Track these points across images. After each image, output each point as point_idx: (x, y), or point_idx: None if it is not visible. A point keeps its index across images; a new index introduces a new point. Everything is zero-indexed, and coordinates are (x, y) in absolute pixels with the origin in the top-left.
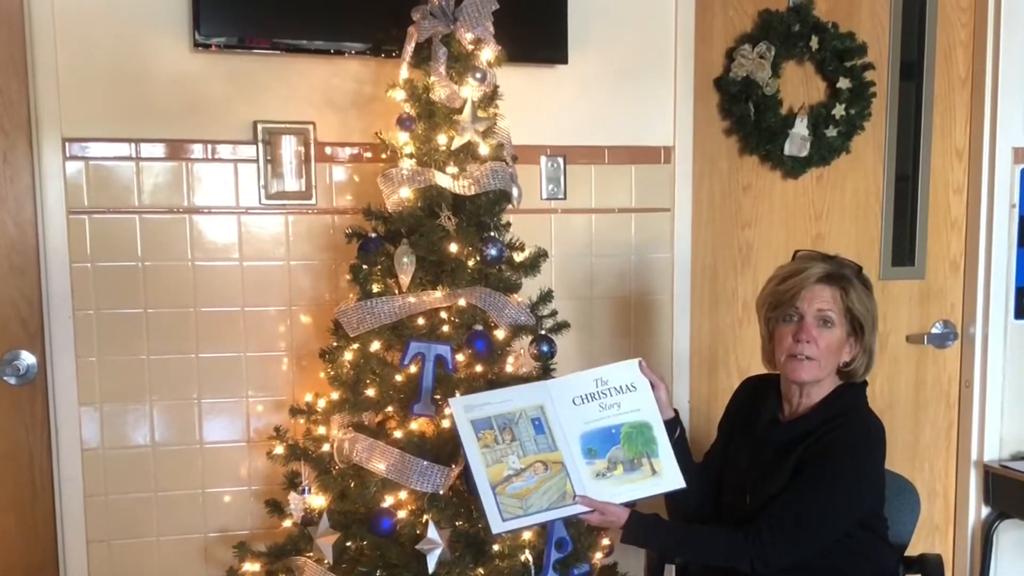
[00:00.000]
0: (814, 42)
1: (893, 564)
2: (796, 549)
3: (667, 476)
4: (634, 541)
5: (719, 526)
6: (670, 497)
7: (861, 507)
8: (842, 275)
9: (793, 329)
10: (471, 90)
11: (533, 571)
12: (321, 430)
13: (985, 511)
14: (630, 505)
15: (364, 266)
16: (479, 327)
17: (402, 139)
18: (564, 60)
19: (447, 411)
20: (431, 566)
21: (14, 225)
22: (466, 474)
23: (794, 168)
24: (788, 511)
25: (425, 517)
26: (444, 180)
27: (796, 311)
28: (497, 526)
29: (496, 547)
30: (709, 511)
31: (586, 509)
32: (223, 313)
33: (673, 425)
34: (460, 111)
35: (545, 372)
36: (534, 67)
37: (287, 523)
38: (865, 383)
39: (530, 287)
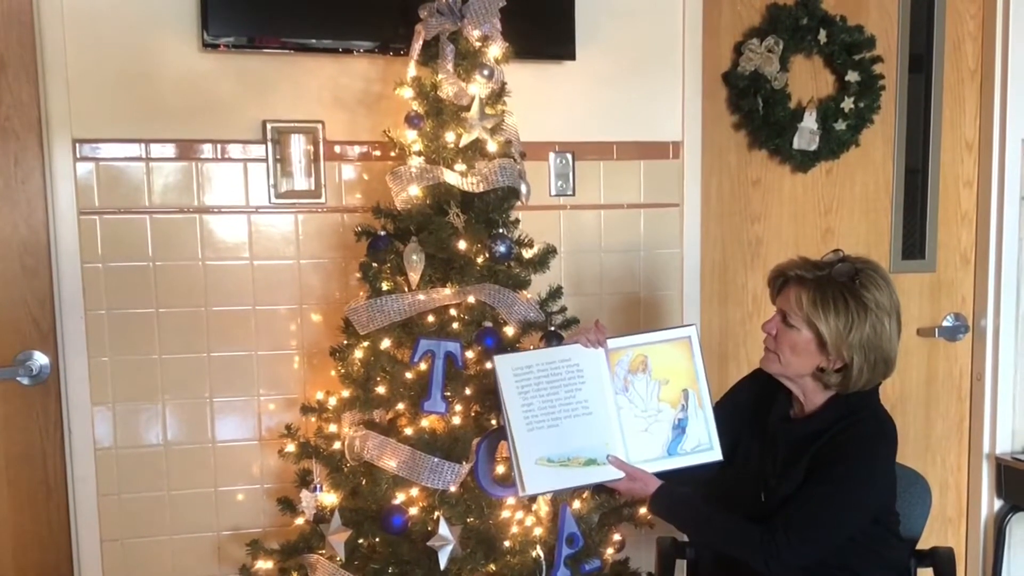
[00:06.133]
0: (822, 35)
1: (905, 558)
2: (811, 550)
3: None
4: (658, 512)
5: (742, 518)
6: None
7: (874, 506)
8: (813, 281)
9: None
10: (479, 87)
11: (544, 567)
12: (332, 428)
13: (997, 504)
14: (665, 476)
15: (374, 264)
16: (488, 324)
17: (410, 137)
18: (572, 56)
19: (456, 408)
20: (443, 562)
21: (26, 226)
22: (504, 424)
23: (803, 162)
24: (803, 512)
25: (436, 514)
26: (452, 177)
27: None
28: (532, 484)
29: (507, 543)
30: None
31: (617, 475)
32: (234, 312)
33: None
34: (468, 108)
35: None
36: (542, 63)
37: (299, 521)
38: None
39: (539, 283)
